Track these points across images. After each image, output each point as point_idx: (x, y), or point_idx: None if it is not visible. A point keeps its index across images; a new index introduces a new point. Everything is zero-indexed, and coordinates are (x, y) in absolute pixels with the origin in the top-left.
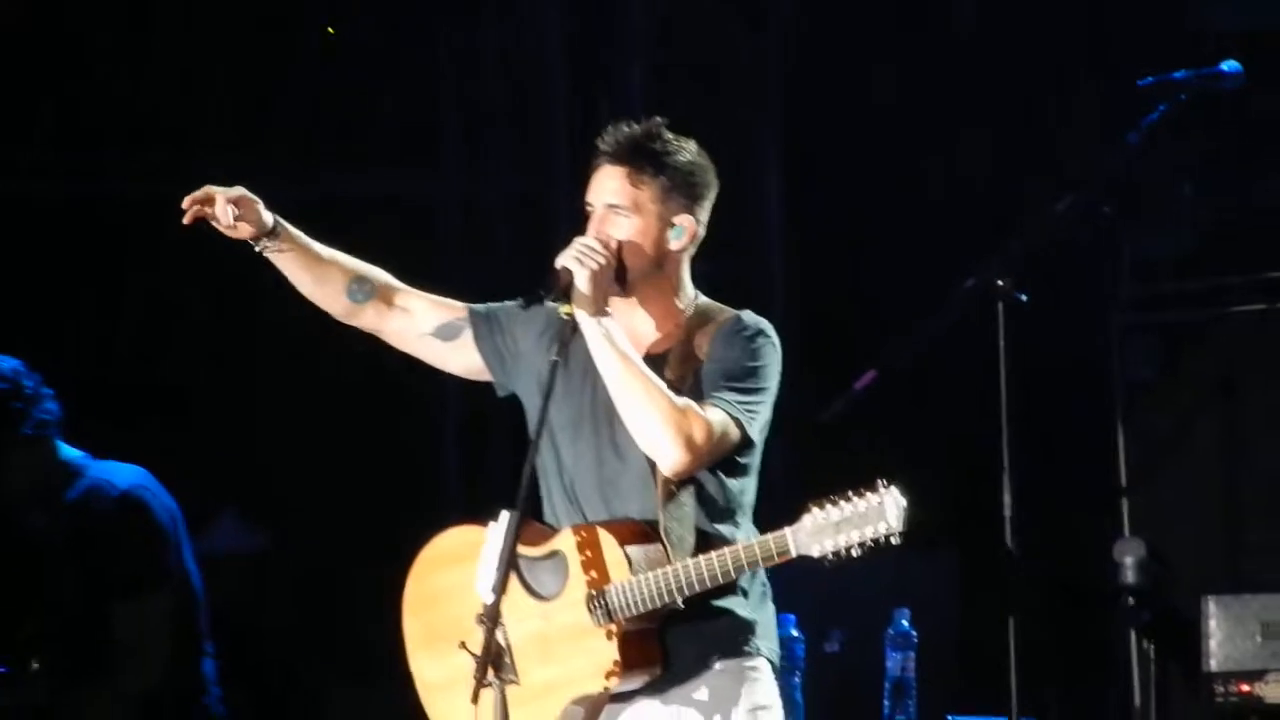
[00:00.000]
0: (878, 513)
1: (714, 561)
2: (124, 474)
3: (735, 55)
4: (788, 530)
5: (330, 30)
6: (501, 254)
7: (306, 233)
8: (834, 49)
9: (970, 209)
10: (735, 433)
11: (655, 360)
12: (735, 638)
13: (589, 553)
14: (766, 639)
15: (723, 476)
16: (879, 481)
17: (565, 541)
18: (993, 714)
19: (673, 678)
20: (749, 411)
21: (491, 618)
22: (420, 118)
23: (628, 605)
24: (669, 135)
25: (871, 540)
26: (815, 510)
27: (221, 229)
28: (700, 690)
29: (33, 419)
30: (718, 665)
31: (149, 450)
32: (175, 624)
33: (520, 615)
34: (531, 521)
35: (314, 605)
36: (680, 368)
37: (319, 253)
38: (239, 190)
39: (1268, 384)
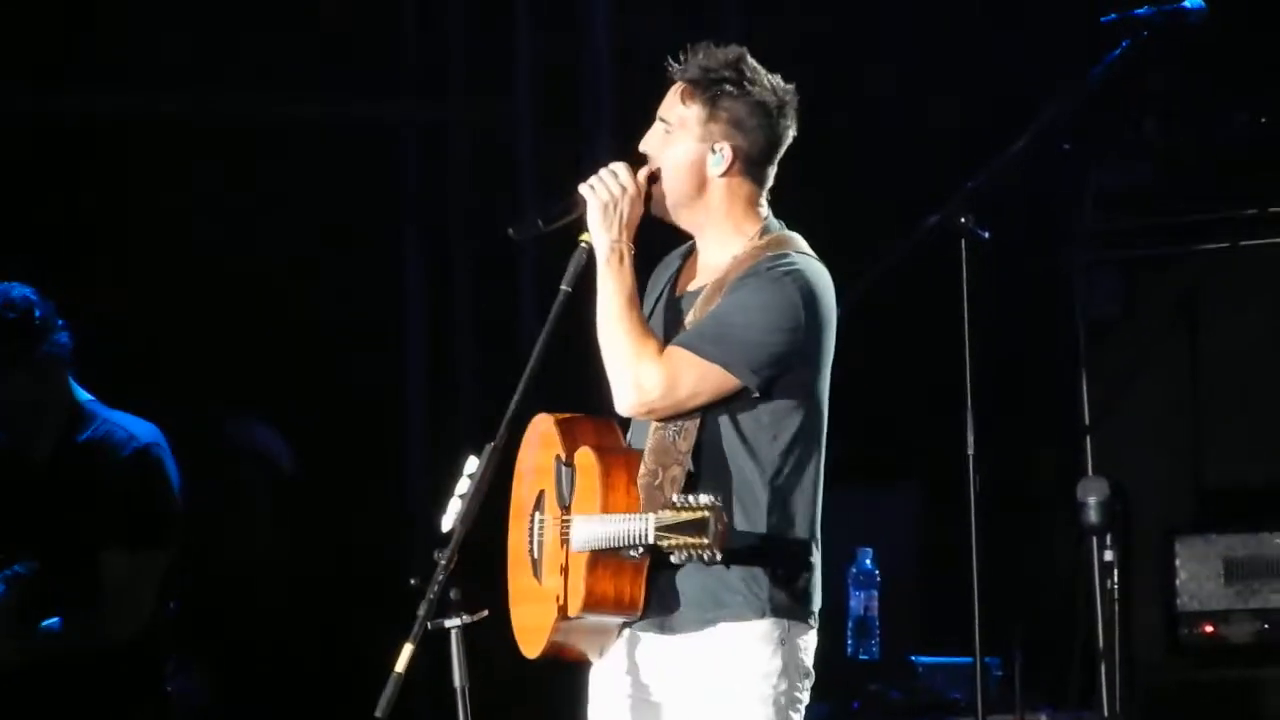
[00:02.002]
0: (701, 526)
1: (609, 526)
2: (143, 429)
3: None
4: (651, 518)
5: None
6: (464, 181)
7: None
8: None
9: (933, 147)
10: (710, 375)
11: (686, 298)
12: (748, 599)
13: (581, 476)
14: (791, 604)
15: (729, 425)
16: (715, 498)
17: (580, 457)
18: (956, 653)
19: (669, 628)
20: (730, 354)
21: (450, 554)
22: (382, 43)
23: (586, 540)
24: (748, 66)
25: (693, 548)
26: (675, 506)
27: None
28: (698, 646)
29: (43, 346)
30: (722, 625)
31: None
32: (162, 583)
33: (553, 518)
34: (602, 425)
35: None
36: (703, 307)
37: None
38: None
39: (1231, 321)
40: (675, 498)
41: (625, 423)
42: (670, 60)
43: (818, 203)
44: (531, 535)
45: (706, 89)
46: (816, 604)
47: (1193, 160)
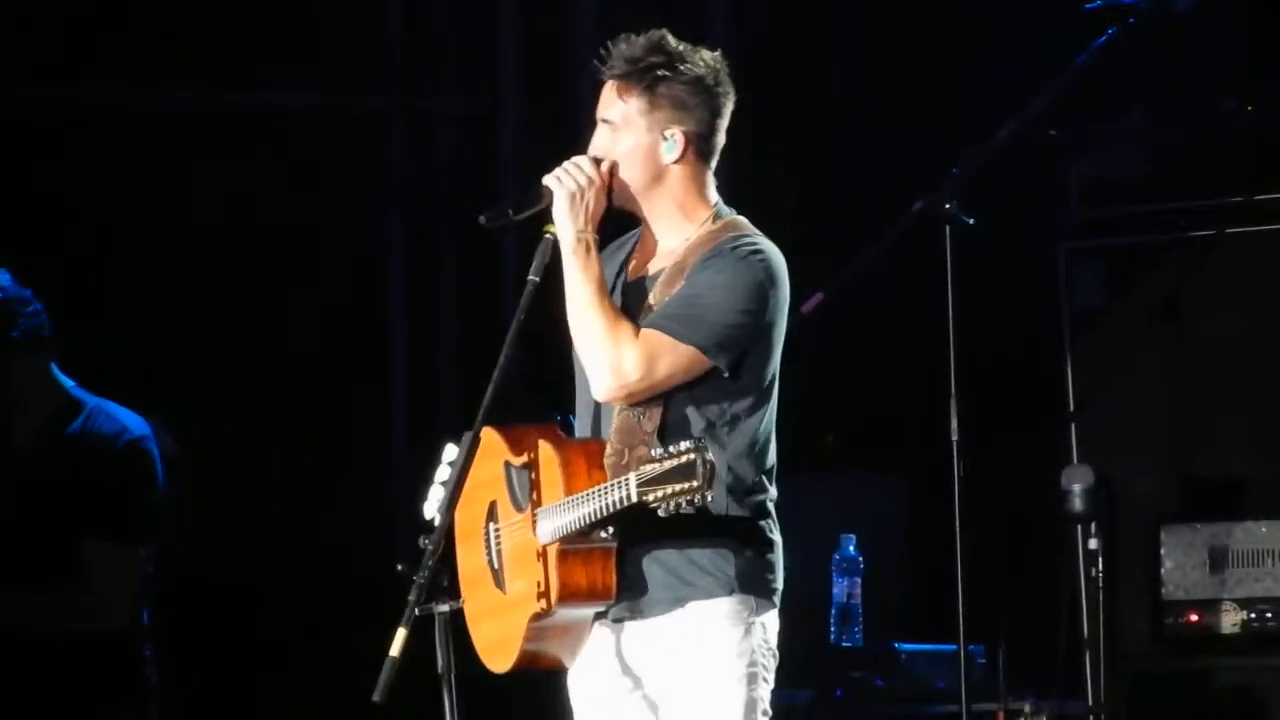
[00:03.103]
0: (688, 469)
1: (585, 500)
2: (133, 420)
3: None
4: (632, 475)
5: None
6: (449, 169)
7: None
8: None
9: (919, 133)
10: (684, 356)
11: (645, 280)
12: (716, 577)
13: (542, 469)
14: (757, 580)
15: (692, 406)
16: (696, 438)
17: (532, 454)
18: (940, 641)
19: (641, 611)
20: (702, 335)
21: (436, 540)
22: (366, 30)
23: (557, 527)
24: (671, 46)
25: (682, 494)
26: (655, 459)
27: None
28: (670, 628)
29: (20, 330)
30: (691, 605)
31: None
32: (144, 576)
33: (508, 524)
34: (545, 428)
35: (257, 540)
36: (664, 290)
37: None
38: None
39: (1217, 310)
40: (654, 451)
41: (567, 425)
42: (596, 60)
43: (800, 189)
44: (488, 547)
45: (640, 79)
46: (779, 582)
47: (1178, 149)
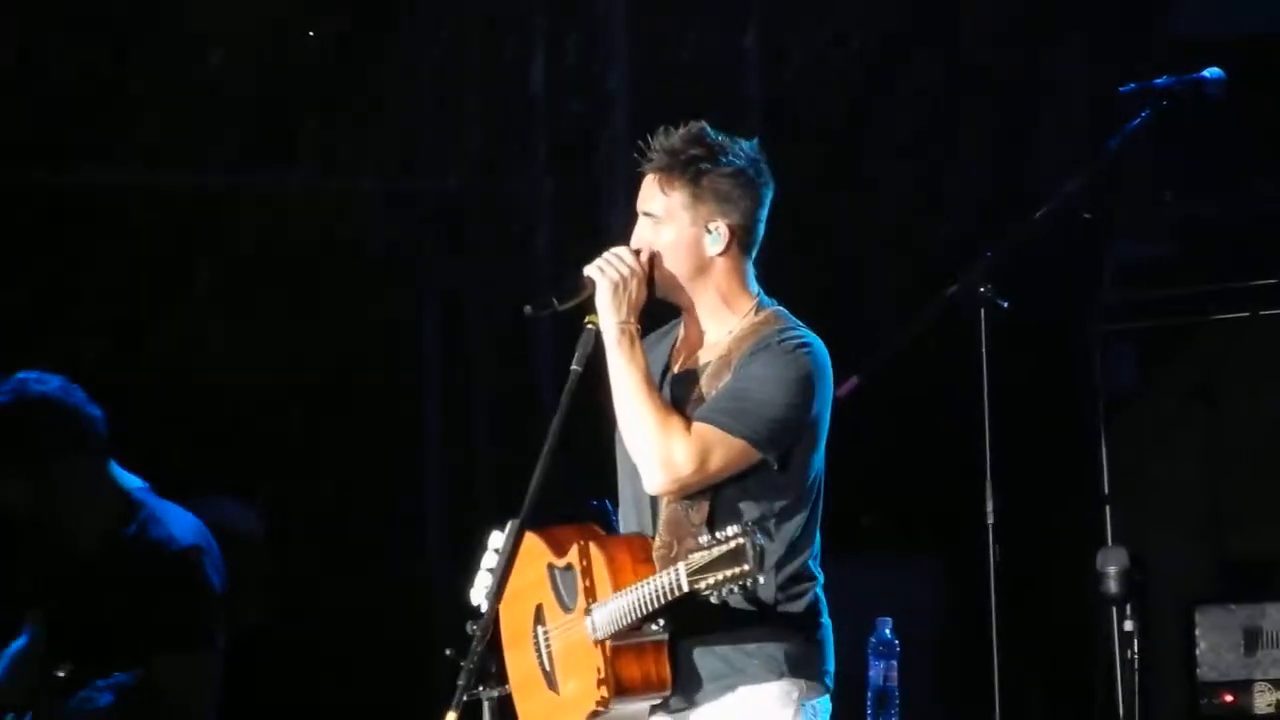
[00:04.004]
0: (738, 554)
1: (636, 592)
2: (184, 528)
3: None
4: (681, 565)
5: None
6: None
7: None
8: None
9: (952, 215)
10: (735, 450)
11: (692, 373)
12: (765, 663)
13: (586, 565)
14: (807, 665)
15: (742, 499)
16: (744, 523)
17: (573, 554)
18: None
19: (696, 699)
20: (753, 429)
21: (484, 626)
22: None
23: (608, 622)
24: (711, 138)
25: (733, 580)
26: (703, 546)
27: None
28: (721, 714)
29: (73, 435)
30: (742, 690)
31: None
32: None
33: (557, 626)
34: (584, 527)
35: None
36: (711, 382)
37: None
38: None
39: (1249, 391)
40: (701, 539)
41: (609, 512)
42: (635, 153)
43: (833, 270)
44: (538, 651)
45: (684, 171)
46: (830, 666)
47: (1211, 230)
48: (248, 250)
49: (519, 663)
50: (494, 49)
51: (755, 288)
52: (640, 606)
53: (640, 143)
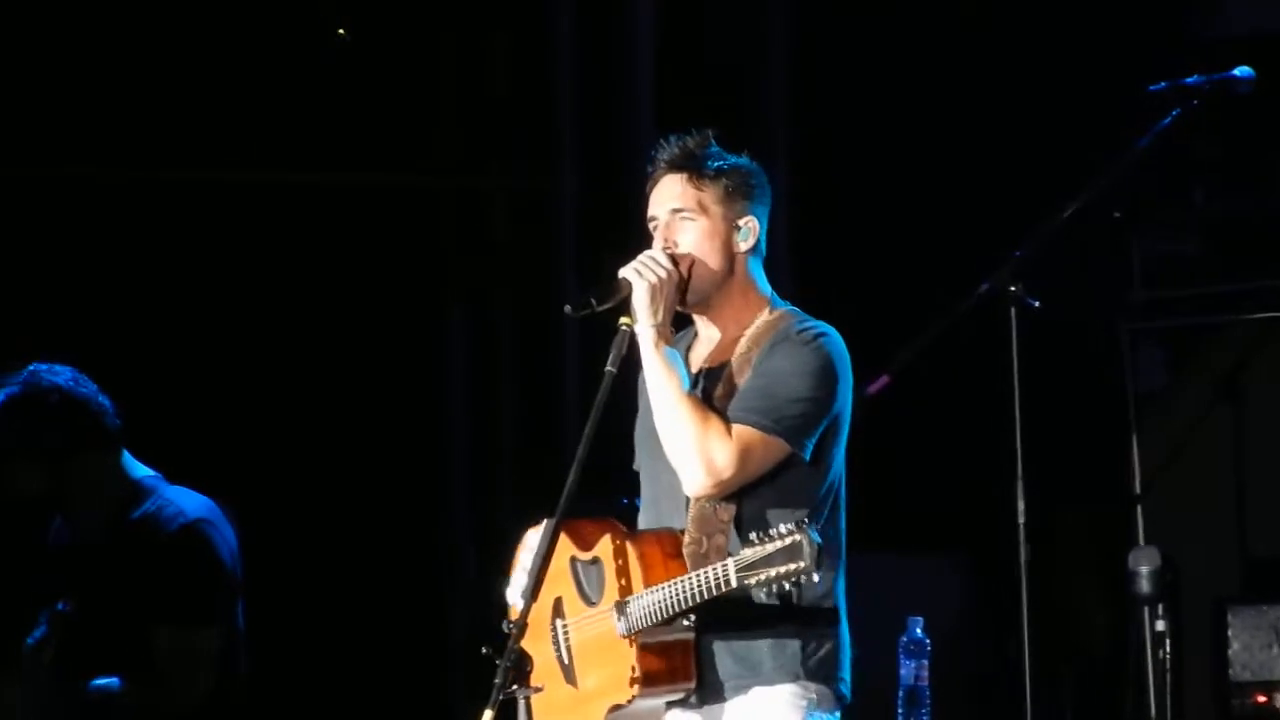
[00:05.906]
0: (794, 550)
1: (675, 587)
2: (193, 504)
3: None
4: (730, 561)
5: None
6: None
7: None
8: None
9: (982, 214)
10: (772, 448)
11: (715, 371)
12: (779, 663)
13: (620, 560)
14: (822, 667)
15: (769, 495)
16: (799, 521)
17: (603, 548)
18: None
19: (709, 698)
20: (785, 424)
21: (520, 625)
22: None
23: (642, 616)
24: (721, 144)
25: (787, 577)
26: (754, 542)
27: None
28: (734, 713)
29: (84, 428)
30: (755, 690)
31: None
32: (219, 667)
33: (578, 619)
34: (608, 522)
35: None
36: (734, 380)
37: None
38: None
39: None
40: (753, 535)
41: (625, 518)
42: (653, 156)
43: (863, 269)
44: (555, 643)
45: (711, 167)
46: (846, 674)
47: (1241, 228)
48: (270, 246)
49: (534, 655)
50: (522, 47)
51: (769, 289)
52: (678, 602)
53: (655, 147)
